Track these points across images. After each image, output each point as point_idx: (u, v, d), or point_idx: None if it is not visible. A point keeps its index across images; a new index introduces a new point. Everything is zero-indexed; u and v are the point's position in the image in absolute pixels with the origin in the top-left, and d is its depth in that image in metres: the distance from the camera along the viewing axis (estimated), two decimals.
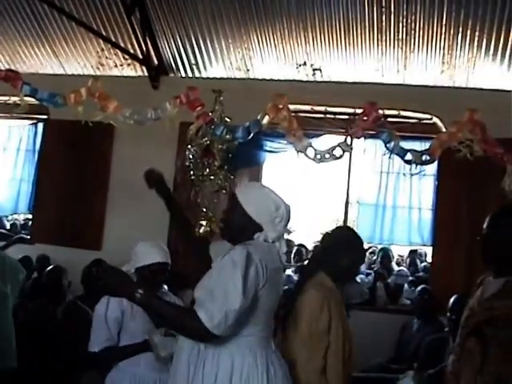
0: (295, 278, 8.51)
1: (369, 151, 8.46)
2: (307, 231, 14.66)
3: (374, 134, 5.23)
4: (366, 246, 7.87)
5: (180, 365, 3.05)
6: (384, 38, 7.94)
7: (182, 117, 5.17)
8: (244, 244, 3.02)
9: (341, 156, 4.85)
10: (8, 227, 10.93)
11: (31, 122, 9.88)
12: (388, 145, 4.88)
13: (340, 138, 5.51)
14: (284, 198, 3.26)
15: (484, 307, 2.94)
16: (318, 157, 4.80)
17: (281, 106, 4.73)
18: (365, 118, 4.83)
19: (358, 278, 8.66)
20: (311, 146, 4.81)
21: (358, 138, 5.06)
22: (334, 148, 4.83)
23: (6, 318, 4.89)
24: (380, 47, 8.06)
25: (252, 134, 4.82)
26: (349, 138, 4.87)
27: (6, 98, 8.61)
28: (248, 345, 3.02)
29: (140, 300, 2.81)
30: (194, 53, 8.84)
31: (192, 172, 5.24)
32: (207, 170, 5.23)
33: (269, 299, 3.04)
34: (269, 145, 8.19)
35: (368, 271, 9.49)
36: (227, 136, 4.78)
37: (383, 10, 7.62)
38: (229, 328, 2.81)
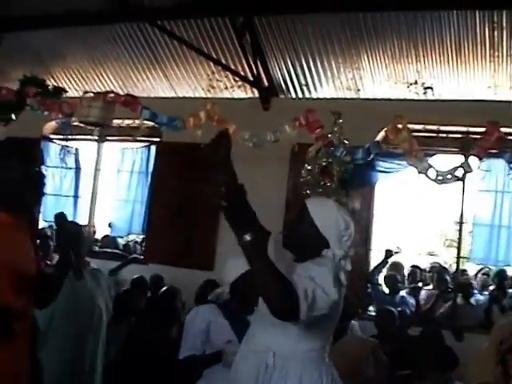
0: (411, 300, 8.35)
1: (483, 170, 8.22)
2: (417, 251, 14.37)
3: (495, 153, 5.09)
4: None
5: (244, 378, 3.08)
6: (496, 54, 7.74)
7: (297, 137, 5.18)
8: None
9: (463, 177, 4.72)
10: (122, 248, 11.17)
11: (144, 144, 10.11)
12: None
13: (454, 158, 5.39)
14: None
15: None
16: (440, 178, 4.69)
17: (400, 127, 4.65)
18: (487, 138, 4.69)
19: (473, 301, 8.42)
20: (432, 167, 4.71)
21: (481, 158, 4.91)
22: (455, 169, 4.71)
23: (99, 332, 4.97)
24: (492, 64, 7.86)
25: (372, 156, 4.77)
26: (471, 158, 4.73)
27: (120, 120, 8.89)
28: (313, 360, 3.07)
29: (244, 244, 2.59)
30: (304, 74, 8.84)
31: (307, 191, 5.21)
32: (321, 189, 5.19)
33: (337, 314, 3.09)
34: (382, 165, 8.07)
35: (483, 293, 9.20)
36: (346, 157, 4.73)
37: (495, 25, 7.43)
38: (313, 318, 2.79)
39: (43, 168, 3.10)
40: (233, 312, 4.22)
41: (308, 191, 5.10)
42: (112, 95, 4.86)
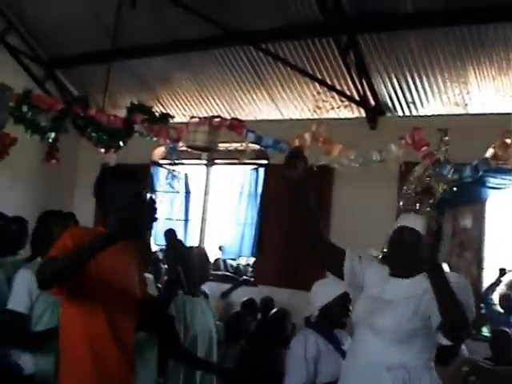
0: None
1: None
2: None
3: None
4: None
5: None
6: None
7: (404, 156, 5.09)
8: None
9: None
10: (232, 270, 11.26)
11: (252, 167, 10.19)
12: None
13: None
14: None
15: None
16: None
17: (509, 142, 4.50)
18: None
19: None
20: None
21: None
22: None
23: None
24: None
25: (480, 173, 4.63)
26: None
27: (228, 144, 9.00)
28: (432, 367, 3.26)
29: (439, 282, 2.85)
30: (410, 90, 8.72)
31: (402, 205, 5.10)
32: (417, 205, 5.06)
33: None
34: (492, 181, 7.83)
35: None
36: (454, 175, 4.61)
37: None
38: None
39: (154, 193, 3.18)
40: (329, 335, 4.18)
41: (405, 206, 4.99)
42: (217, 119, 4.91)
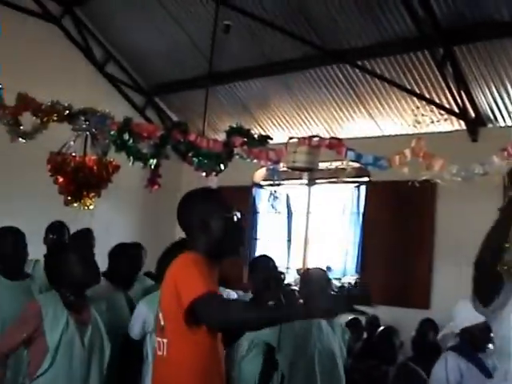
0: None
1: None
2: None
3: None
4: None
5: None
6: None
7: (507, 167, 4.95)
8: None
9: None
10: (337, 290, 11.19)
11: (354, 185, 10.16)
12: None
13: None
14: None
15: None
16: None
17: None
18: None
19: None
20: None
21: None
22: None
23: None
24: None
25: None
26: None
27: (328, 163, 8.98)
28: None
29: None
30: (510, 100, 8.49)
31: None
32: None
33: None
34: None
35: None
36: None
37: None
38: None
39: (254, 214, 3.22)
40: (473, 358, 4.09)
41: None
42: (316, 139, 4.91)
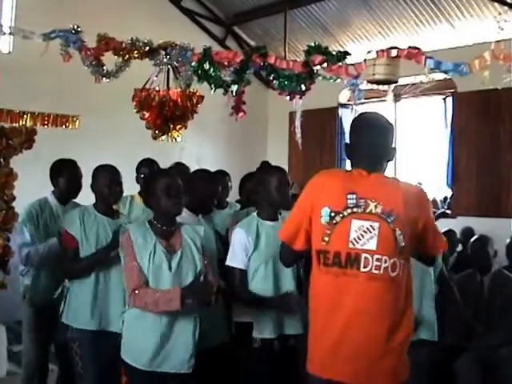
0: None
1: None
2: None
3: None
4: None
5: None
6: None
7: None
8: None
9: None
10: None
11: (440, 97, 10.03)
12: None
13: None
14: None
15: None
16: None
17: None
18: None
19: None
20: None
21: None
22: None
23: None
24: None
25: None
26: None
27: (413, 78, 8.87)
28: None
29: None
30: None
31: None
32: None
33: None
34: None
35: None
36: None
37: None
38: None
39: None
40: None
41: None
42: (394, 50, 4.87)
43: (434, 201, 11.14)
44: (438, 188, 10.50)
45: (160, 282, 3.73)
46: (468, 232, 8.25)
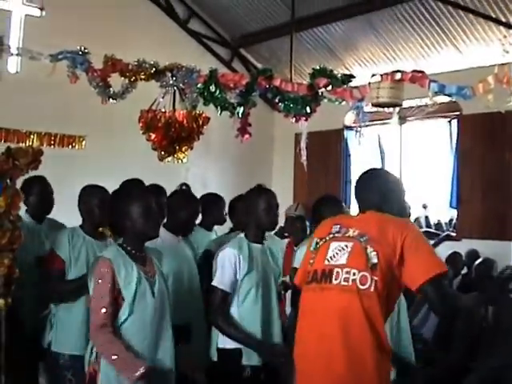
0: None
1: None
2: None
3: None
4: None
5: None
6: None
7: None
8: None
9: None
10: (434, 226, 11.16)
11: (445, 120, 10.06)
12: None
13: None
14: None
15: None
16: None
17: None
18: None
19: None
20: None
21: None
22: None
23: None
24: None
25: None
26: None
27: (418, 100, 8.91)
28: None
29: None
30: None
31: None
32: None
33: None
34: None
35: None
36: None
37: None
38: None
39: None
40: None
41: None
42: (399, 73, 4.90)
43: (439, 223, 11.17)
44: (442, 210, 10.52)
45: (144, 310, 3.59)
46: (473, 254, 8.25)
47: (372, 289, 3.08)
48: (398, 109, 9.65)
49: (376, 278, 3.08)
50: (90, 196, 4.58)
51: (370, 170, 3.67)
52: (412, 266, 3.07)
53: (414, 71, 4.86)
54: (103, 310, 3.47)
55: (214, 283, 4.16)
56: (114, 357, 3.39)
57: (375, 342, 3.04)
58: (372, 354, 3.02)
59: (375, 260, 3.10)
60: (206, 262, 4.75)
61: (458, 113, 9.67)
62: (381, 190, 3.40)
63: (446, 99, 7.99)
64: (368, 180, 3.51)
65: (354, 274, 3.11)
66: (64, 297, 4.38)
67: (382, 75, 4.96)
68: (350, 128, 11.16)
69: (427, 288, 3.00)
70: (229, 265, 4.14)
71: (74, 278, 4.34)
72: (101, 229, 4.68)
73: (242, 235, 4.34)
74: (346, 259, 3.17)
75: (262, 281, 4.18)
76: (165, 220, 4.80)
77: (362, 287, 3.09)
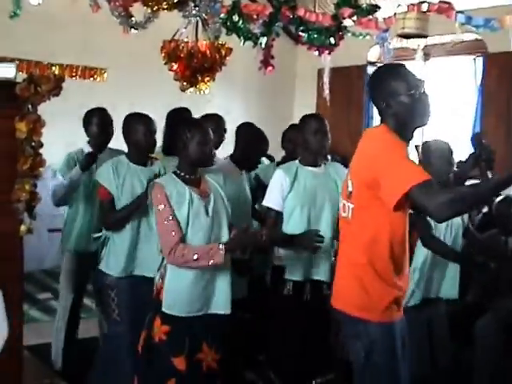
0: None
1: None
2: None
3: None
4: None
5: None
6: None
7: None
8: None
9: None
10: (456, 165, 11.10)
11: (471, 58, 9.91)
12: None
13: None
14: None
15: None
16: None
17: None
18: None
19: None
20: None
21: None
22: None
23: None
24: None
25: None
26: None
27: (444, 36, 8.76)
28: None
29: None
30: None
31: None
32: None
33: None
34: None
35: None
36: None
37: None
38: None
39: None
40: None
41: None
42: (425, 4, 4.82)
43: (461, 162, 11.09)
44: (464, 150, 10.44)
45: (198, 228, 3.74)
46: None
47: (350, 217, 3.23)
48: (422, 45, 9.52)
49: (353, 207, 3.20)
50: (135, 125, 4.62)
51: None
52: (387, 186, 2.97)
53: (441, 2, 4.79)
54: (173, 234, 3.67)
55: (264, 203, 4.49)
56: (195, 256, 3.61)
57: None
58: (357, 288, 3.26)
59: (350, 188, 3.21)
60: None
61: (483, 50, 9.46)
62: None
63: (471, 37, 7.87)
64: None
65: (340, 202, 3.38)
66: (113, 226, 4.55)
67: (408, 6, 4.90)
68: (373, 64, 11.00)
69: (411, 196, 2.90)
70: (276, 184, 4.41)
71: (122, 207, 4.49)
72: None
73: (297, 161, 4.54)
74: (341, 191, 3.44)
75: (309, 202, 4.32)
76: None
77: (343, 214, 3.31)
